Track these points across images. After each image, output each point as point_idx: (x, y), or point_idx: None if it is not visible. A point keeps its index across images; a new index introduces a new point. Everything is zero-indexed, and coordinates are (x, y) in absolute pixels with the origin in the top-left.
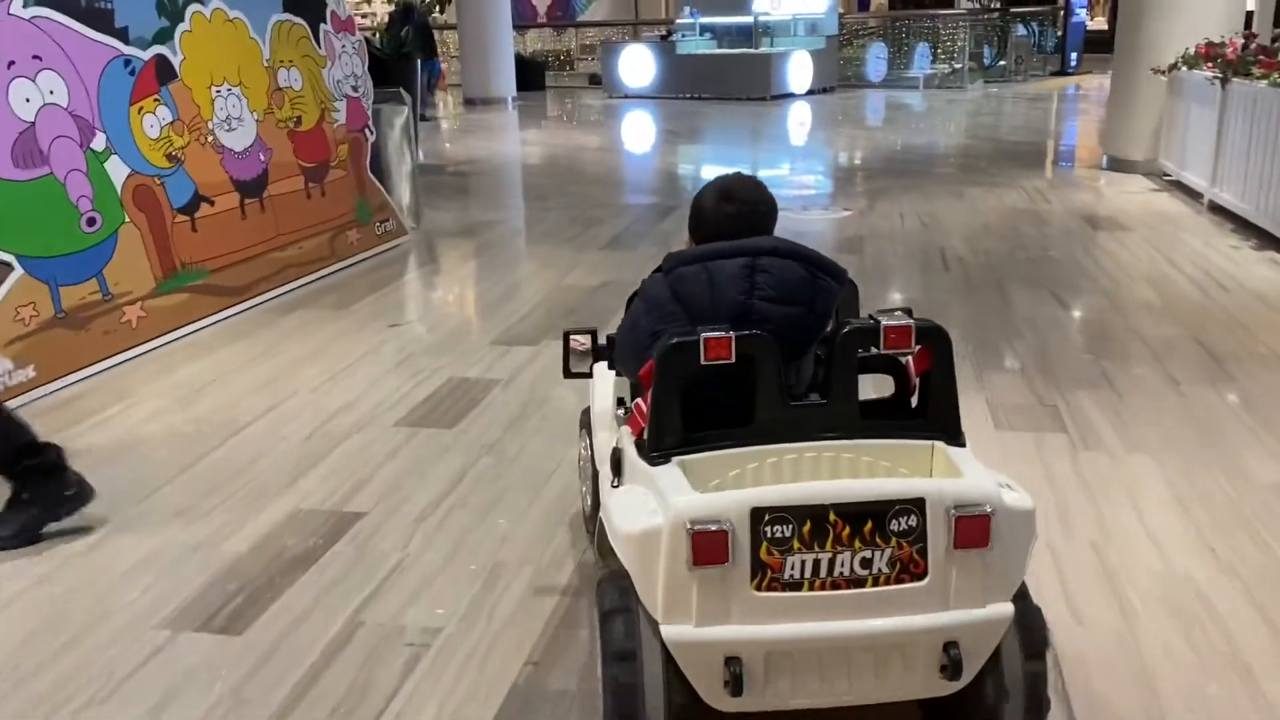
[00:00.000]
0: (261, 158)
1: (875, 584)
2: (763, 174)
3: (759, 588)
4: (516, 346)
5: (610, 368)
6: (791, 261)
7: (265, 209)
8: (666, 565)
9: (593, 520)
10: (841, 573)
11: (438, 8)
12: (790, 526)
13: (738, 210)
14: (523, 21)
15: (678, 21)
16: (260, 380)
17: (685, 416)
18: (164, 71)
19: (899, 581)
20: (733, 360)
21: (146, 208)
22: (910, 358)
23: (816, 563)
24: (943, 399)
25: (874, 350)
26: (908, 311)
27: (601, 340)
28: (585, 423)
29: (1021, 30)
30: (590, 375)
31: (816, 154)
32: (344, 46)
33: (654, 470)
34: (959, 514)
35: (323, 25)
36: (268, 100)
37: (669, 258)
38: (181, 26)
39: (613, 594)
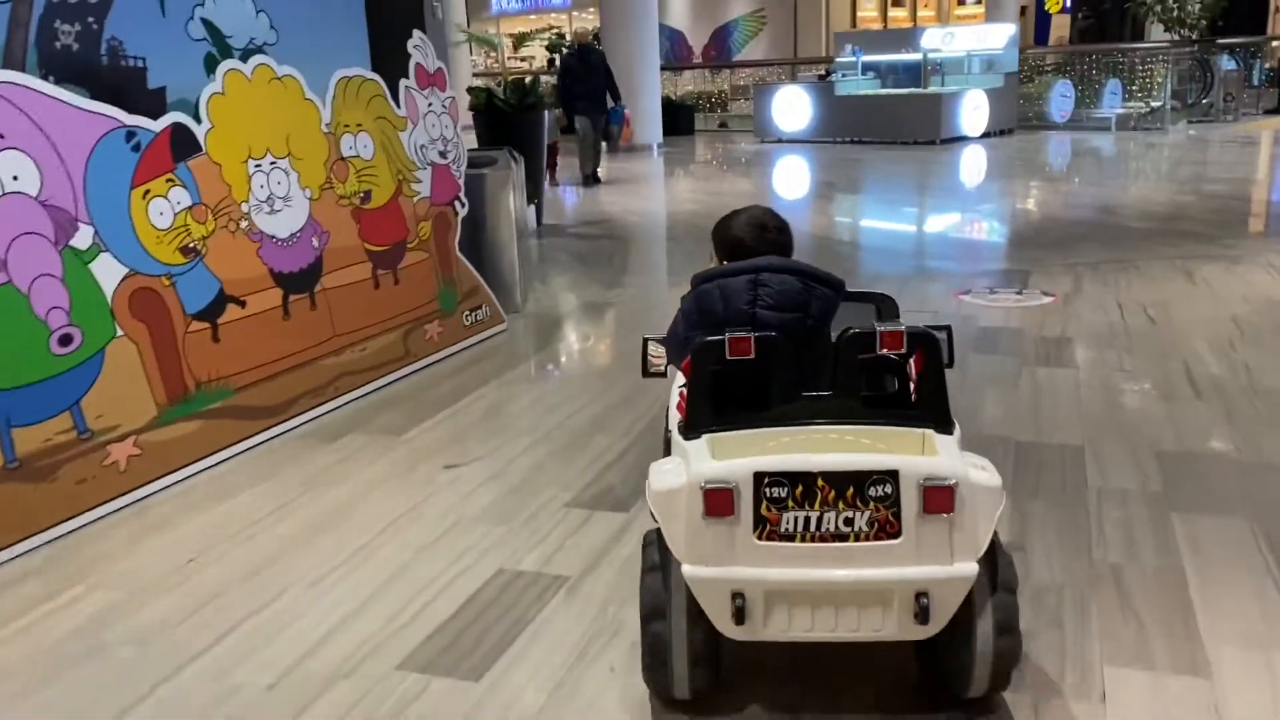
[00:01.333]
0: (315, 244)
1: (856, 540)
2: (933, 237)
3: (760, 538)
4: (600, 512)
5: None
6: (787, 275)
7: (318, 305)
8: (685, 516)
9: None
10: (827, 529)
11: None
12: (786, 488)
13: (767, 238)
14: (676, 63)
15: (837, 60)
16: (255, 560)
17: (717, 403)
18: (182, 144)
19: (876, 539)
20: (752, 356)
21: (148, 316)
22: (912, 360)
23: (807, 519)
24: (932, 394)
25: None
26: (893, 305)
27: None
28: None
29: (1228, 63)
30: (666, 375)
31: (996, 211)
32: (431, 105)
33: (687, 444)
34: (928, 485)
35: (404, 81)
36: (326, 173)
37: (695, 278)
38: (210, 88)
39: (653, 551)
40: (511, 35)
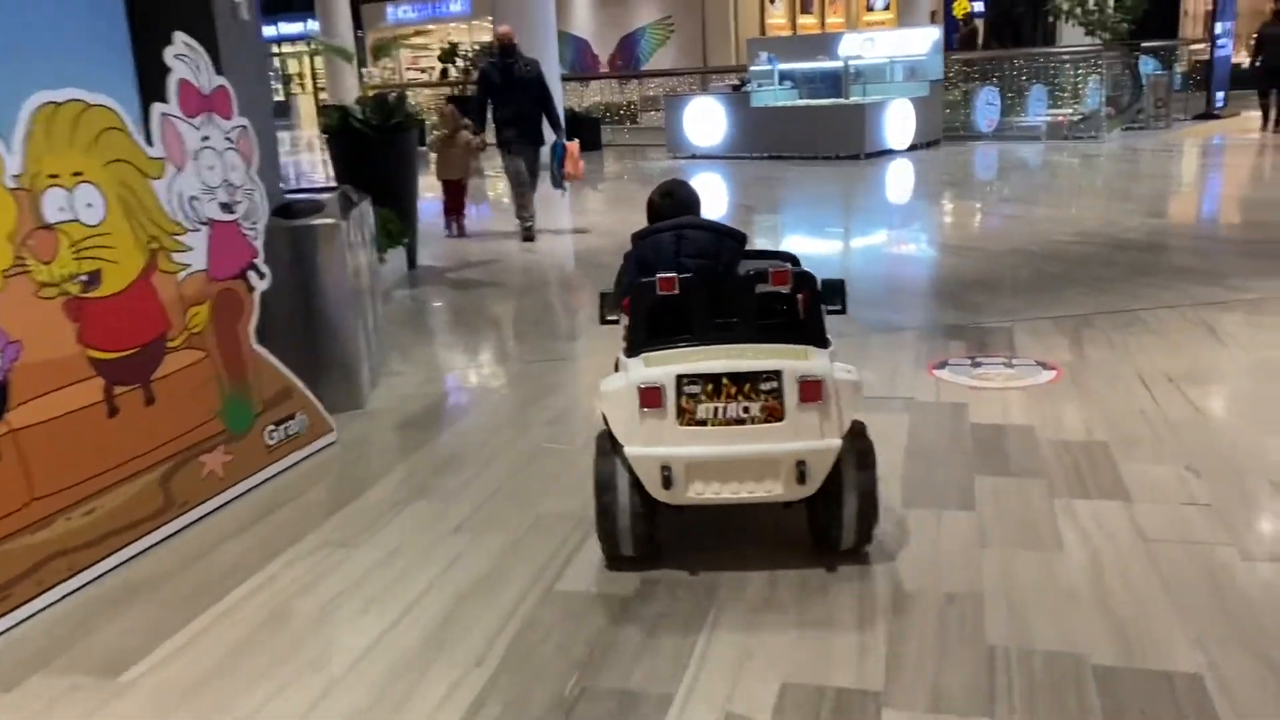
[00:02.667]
0: None
1: (752, 423)
2: (877, 279)
3: (681, 424)
4: None
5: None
6: (703, 231)
7: (2, 458)
8: (625, 409)
9: None
10: (730, 415)
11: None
12: (699, 386)
13: (672, 201)
14: (582, 73)
15: (751, 69)
16: None
17: (651, 330)
18: None
19: (766, 422)
20: (677, 292)
21: None
22: (801, 296)
23: (716, 409)
24: (812, 320)
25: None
26: (794, 260)
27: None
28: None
29: (1152, 66)
30: (618, 322)
31: (946, 243)
32: (208, 139)
33: (628, 360)
34: (803, 380)
35: (159, 106)
36: (13, 251)
37: (633, 236)
38: None
39: (603, 443)
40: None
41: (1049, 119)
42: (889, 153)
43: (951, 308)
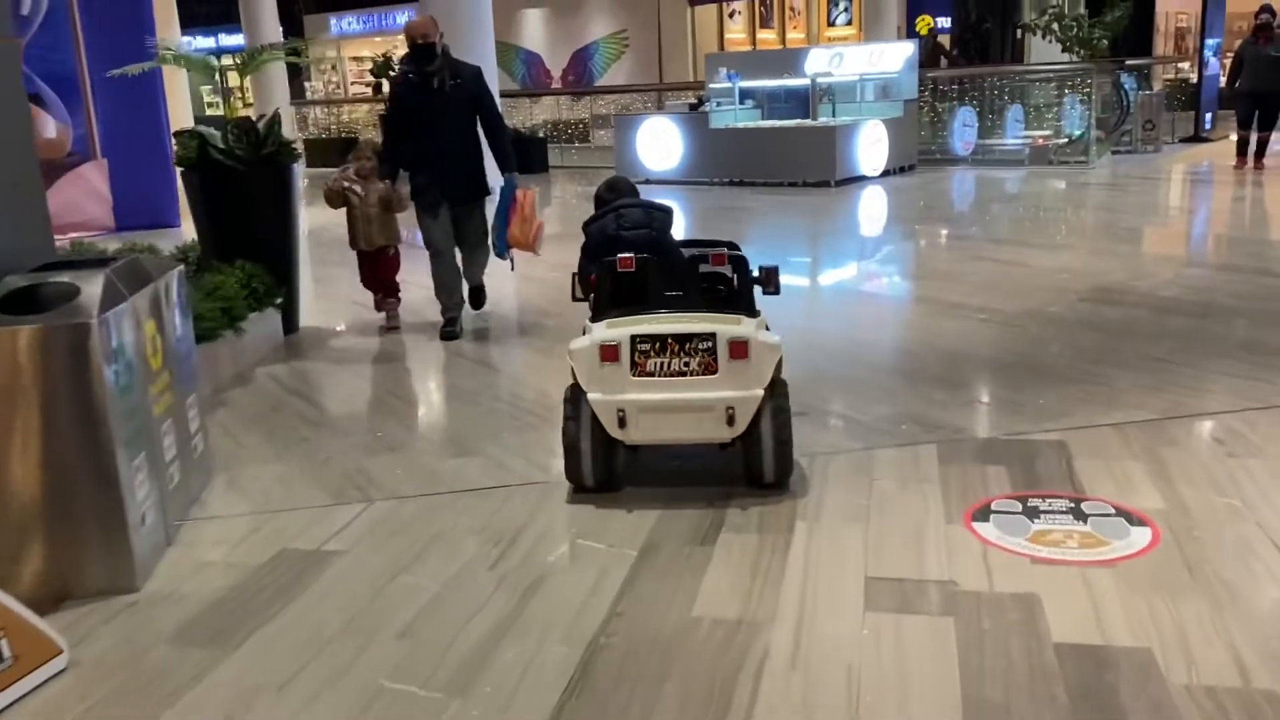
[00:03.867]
0: None
1: (691, 375)
2: (866, 348)
3: (634, 375)
4: None
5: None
6: (636, 208)
7: None
8: (589, 363)
9: None
10: (674, 368)
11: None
12: (649, 344)
13: (615, 193)
14: (533, 89)
15: (710, 87)
16: None
17: (613, 299)
18: None
19: (703, 375)
20: (633, 270)
21: None
22: (735, 274)
23: (662, 363)
24: (744, 292)
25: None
26: (734, 247)
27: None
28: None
29: (1133, 85)
30: (586, 300)
31: (946, 300)
32: None
33: (593, 325)
34: (733, 340)
35: None
36: None
37: (584, 224)
38: None
39: (570, 391)
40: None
41: (1030, 142)
42: (861, 179)
43: (970, 403)
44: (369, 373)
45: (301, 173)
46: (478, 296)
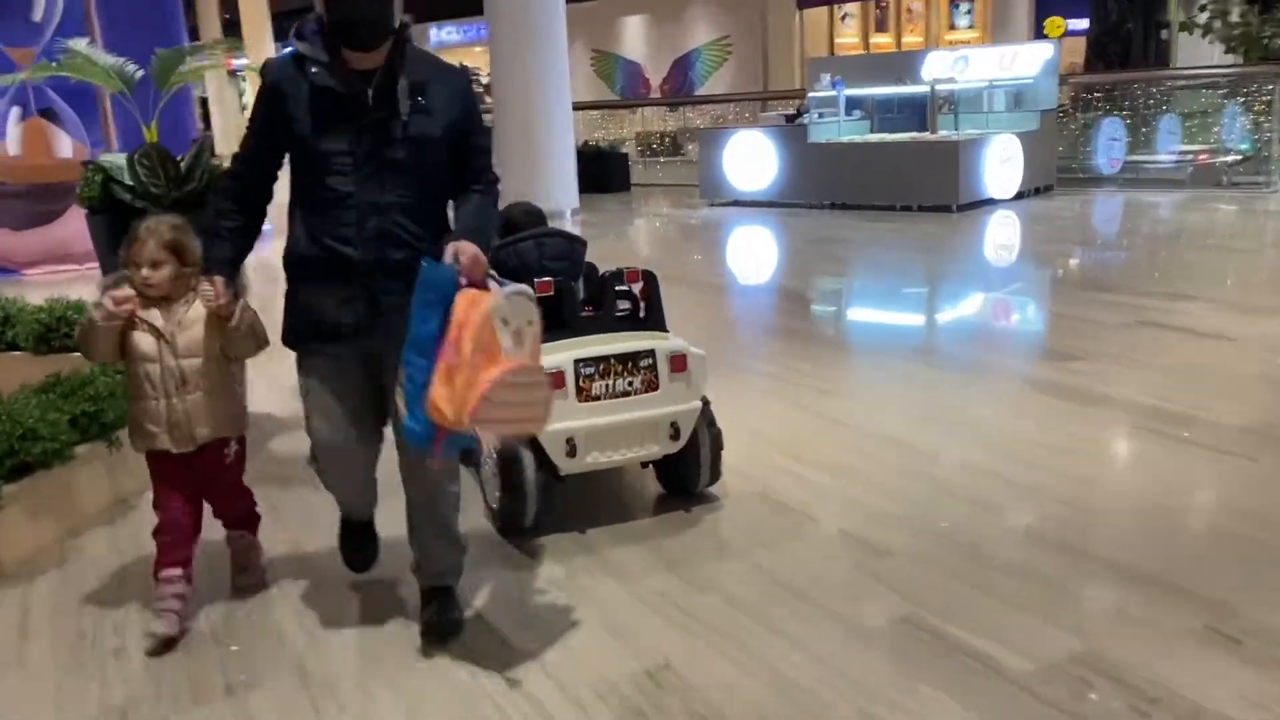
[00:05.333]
0: None
1: (636, 394)
2: (1028, 556)
3: (580, 400)
4: None
5: None
6: (559, 239)
7: None
8: None
9: None
10: (619, 389)
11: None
12: (593, 367)
13: (531, 218)
14: (632, 99)
15: (811, 95)
16: None
17: None
18: None
19: (647, 392)
20: (551, 294)
21: None
22: (639, 290)
23: (607, 385)
24: (655, 310)
25: (621, 287)
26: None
27: None
28: None
29: None
30: None
31: (1108, 398)
32: None
33: None
34: (671, 354)
35: None
36: None
37: (494, 246)
38: None
39: None
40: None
41: (1191, 159)
42: (989, 203)
43: (1200, 636)
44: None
45: None
46: (443, 615)
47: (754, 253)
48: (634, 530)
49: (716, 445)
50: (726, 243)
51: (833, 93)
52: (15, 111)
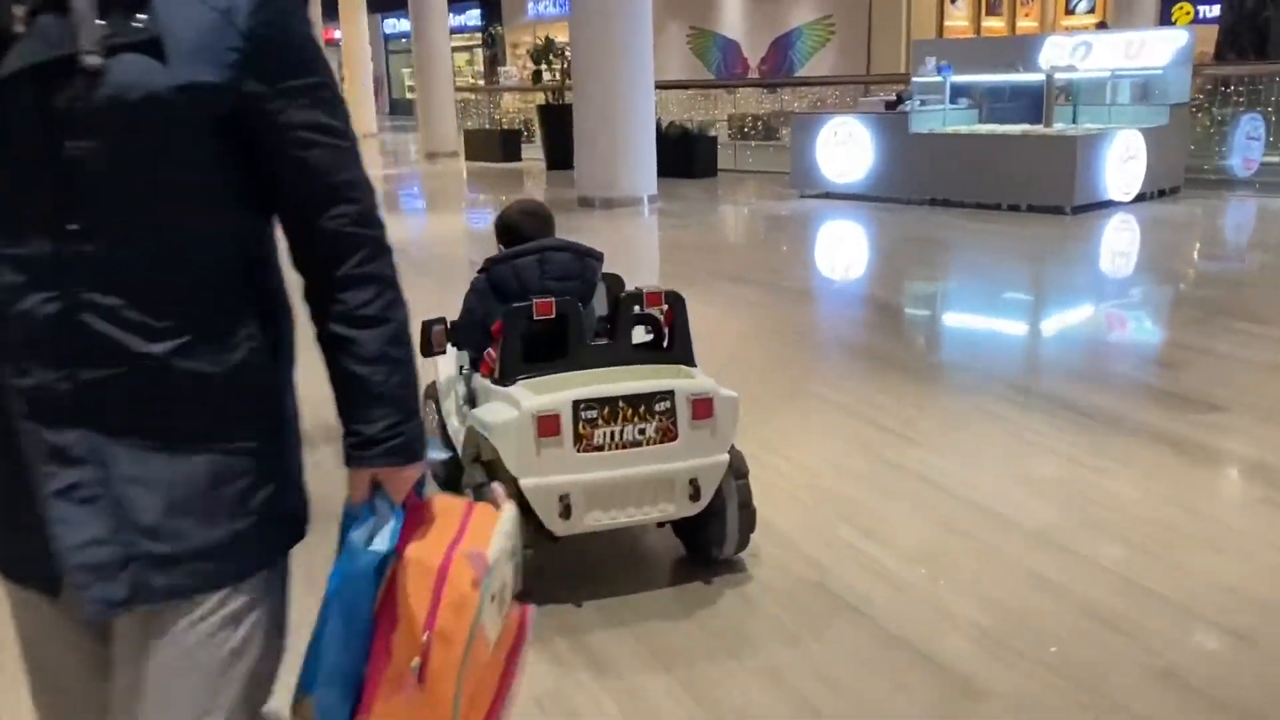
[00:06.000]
0: None
1: (648, 444)
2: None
3: (579, 450)
4: None
5: (457, 346)
6: (565, 253)
7: None
8: (521, 439)
9: (442, 463)
10: (628, 438)
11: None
12: (596, 411)
13: (536, 221)
14: (728, 79)
15: (915, 80)
16: None
17: (526, 355)
18: None
19: (662, 442)
20: (553, 316)
21: None
22: (663, 316)
23: (613, 433)
24: (682, 339)
25: (640, 310)
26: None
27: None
28: (430, 393)
29: None
30: (444, 353)
31: None
32: None
33: (505, 389)
34: (694, 398)
35: None
36: None
37: (487, 261)
38: None
39: (479, 474)
40: None
41: None
42: (1107, 204)
43: None
44: None
45: None
46: None
47: (840, 252)
48: (638, 606)
49: (747, 505)
50: (813, 240)
51: (938, 78)
52: None
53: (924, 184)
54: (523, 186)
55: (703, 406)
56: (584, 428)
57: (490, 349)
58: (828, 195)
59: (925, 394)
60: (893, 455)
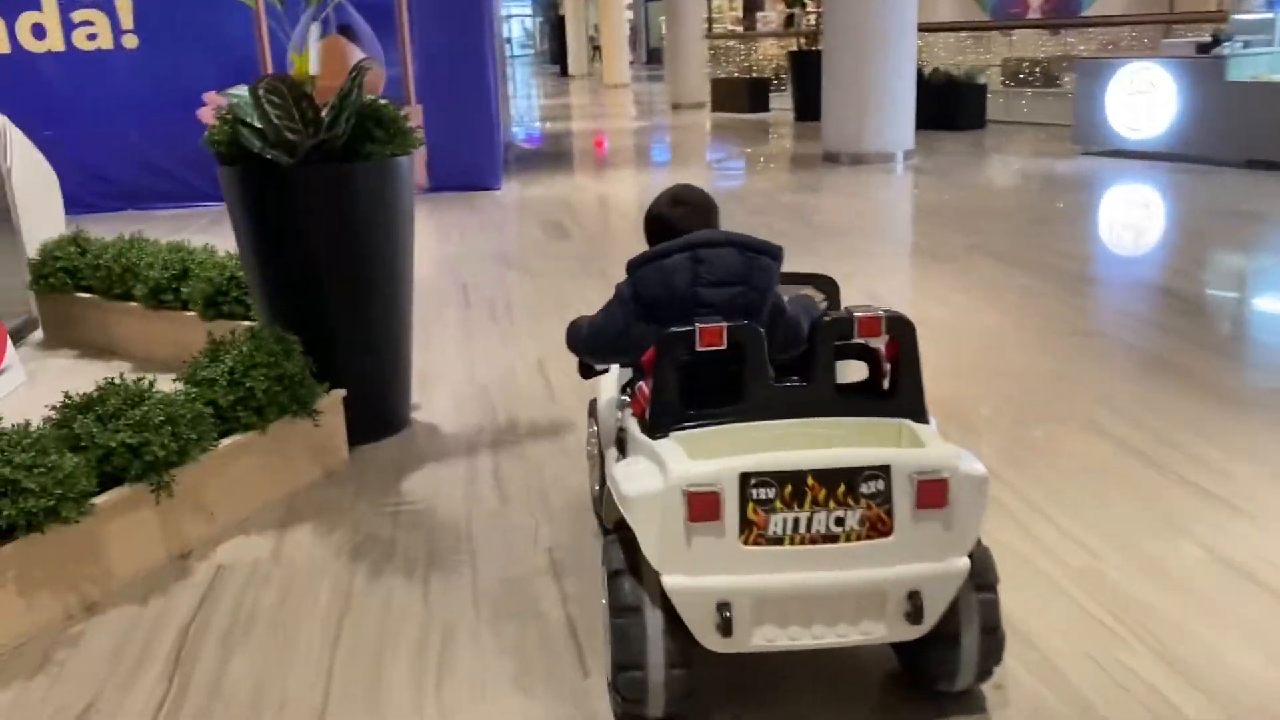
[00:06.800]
0: None
1: (848, 540)
2: None
3: (746, 542)
4: None
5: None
6: (727, 249)
7: None
8: (666, 522)
9: (599, 501)
10: (818, 530)
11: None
12: (773, 489)
13: (688, 209)
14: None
15: (1235, 18)
16: None
17: (683, 396)
18: None
19: (869, 538)
20: (724, 347)
21: None
22: (883, 346)
23: (796, 520)
24: (909, 382)
25: (850, 340)
26: (833, 284)
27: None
28: (592, 411)
29: None
30: (606, 371)
31: None
32: None
33: (655, 443)
34: (920, 478)
35: None
36: None
37: (630, 263)
38: None
39: (617, 555)
40: None
41: None
42: None
43: None
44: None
45: (417, 169)
46: None
47: (1132, 226)
48: None
49: (994, 630)
50: (1097, 208)
51: (1268, 15)
52: (315, 29)
53: (1242, 142)
54: (767, 140)
55: (933, 490)
56: (755, 511)
57: (642, 383)
58: (1118, 153)
59: (1255, 433)
60: (1205, 528)
